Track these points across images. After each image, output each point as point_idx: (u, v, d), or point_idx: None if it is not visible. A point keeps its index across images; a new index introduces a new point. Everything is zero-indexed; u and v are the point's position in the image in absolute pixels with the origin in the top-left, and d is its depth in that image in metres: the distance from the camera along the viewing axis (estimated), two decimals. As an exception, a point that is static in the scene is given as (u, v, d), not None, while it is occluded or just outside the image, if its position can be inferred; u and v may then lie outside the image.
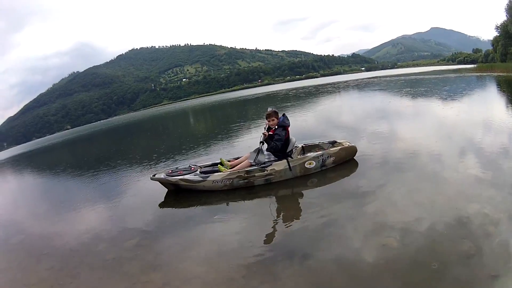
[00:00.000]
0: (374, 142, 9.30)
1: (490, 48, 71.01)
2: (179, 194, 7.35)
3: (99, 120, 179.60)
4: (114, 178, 10.70)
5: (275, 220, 5.52)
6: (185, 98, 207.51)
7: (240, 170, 7.00)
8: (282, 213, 5.86)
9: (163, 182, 7.44)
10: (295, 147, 7.60)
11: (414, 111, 14.66)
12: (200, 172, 7.42)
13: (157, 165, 11.19)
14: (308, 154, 7.35)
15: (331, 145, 8.08)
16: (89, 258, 5.11)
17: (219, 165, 7.41)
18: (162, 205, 7.09)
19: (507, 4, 48.99)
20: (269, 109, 7.31)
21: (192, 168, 7.57)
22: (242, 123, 18.85)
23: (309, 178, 7.10)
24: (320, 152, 7.38)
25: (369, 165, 7.40)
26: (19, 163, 26.88)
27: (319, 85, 59.37)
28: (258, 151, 7.04)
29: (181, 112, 55.18)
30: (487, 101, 15.37)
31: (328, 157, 7.34)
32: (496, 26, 53.95)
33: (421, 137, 9.23)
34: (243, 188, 7.01)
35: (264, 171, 6.97)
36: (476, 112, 12.60)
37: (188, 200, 7.00)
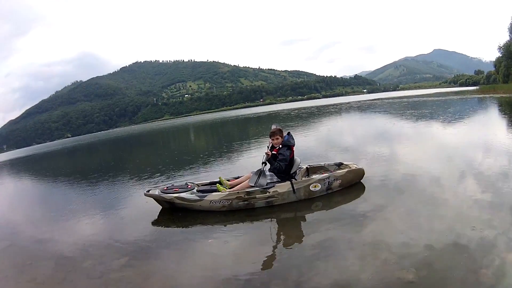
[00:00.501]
0: (380, 165, 8.90)
1: (492, 69, 72.73)
2: (174, 213, 6.89)
3: (100, 131, 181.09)
4: (109, 190, 10.41)
5: (274, 245, 5.09)
6: (187, 114, 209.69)
7: (240, 191, 6.55)
8: (282, 238, 5.44)
9: (157, 199, 7.01)
10: (300, 168, 7.19)
11: (418, 133, 14.47)
12: (197, 190, 7.00)
13: (153, 179, 10.84)
14: (314, 176, 6.91)
15: (337, 167, 7.66)
16: (74, 275, 4.79)
17: (217, 184, 6.97)
18: (155, 223, 6.66)
19: (511, 23, 49.72)
20: (273, 127, 6.94)
21: (189, 186, 7.16)
22: (243, 142, 18.53)
23: (314, 202, 6.65)
24: (326, 174, 6.95)
25: (377, 189, 6.95)
26: (17, 166, 26.80)
27: (321, 106, 59.58)
28: (260, 173, 6.54)
29: (182, 127, 55.02)
30: (488, 123, 15.30)
31: (334, 179, 6.90)
32: (499, 46, 54.99)
33: (427, 160, 8.98)
34: (242, 210, 6.57)
35: (266, 193, 6.52)
36: (477, 134, 12.45)
37: (183, 219, 6.56)
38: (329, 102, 73.52)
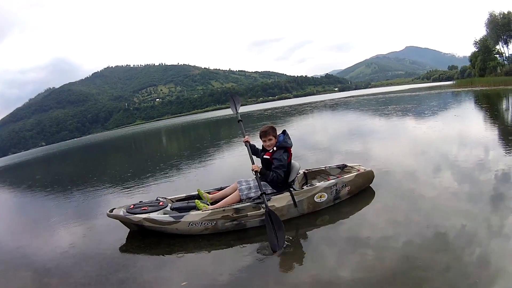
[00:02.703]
0: (384, 166, 7.67)
1: (466, 64, 76.33)
2: (146, 236, 5.42)
3: (73, 138, 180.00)
4: (73, 205, 9.05)
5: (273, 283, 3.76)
6: (158, 118, 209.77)
7: (226, 208, 5.12)
8: (282, 272, 4.03)
9: (122, 220, 5.48)
10: (297, 174, 5.73)
11: (395, 128, 14.31)
12: (171, 209, 5.54)
13: (121, 192, 9.43)
14: (318, 184, 5.51)
15: (340, 170, 6.37)
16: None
17: (196, 200, 5.49)
18: (123, 249, 5.23)
19: (488, 18, 51.10)
20: (265, 126, 5.54)
21: (161, 203, 5.63)
22: (219, 145, 17.28)
23: (319, 216, 5.33)
24: (333, 180, 5.58)
25: (390, 194, 5.89)
26: None
27: (295, 105, 58.61)
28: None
29: (154, 132, 52.80)
30: (470, 116, 15.09)
31: (342, 186, 5.59)
32: (475, 41, 56.29)
33: (417, 156, 8.57)
34: (230, 231, 5.16)
35: (259, 209, 5.11)
36: (459, 127, 12.38)
37: (156, 247, 5.10)
38: (301, 102, 72.70)
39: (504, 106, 18.30)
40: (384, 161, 8.04)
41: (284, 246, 4.40)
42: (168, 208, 5.53)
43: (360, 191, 5.97)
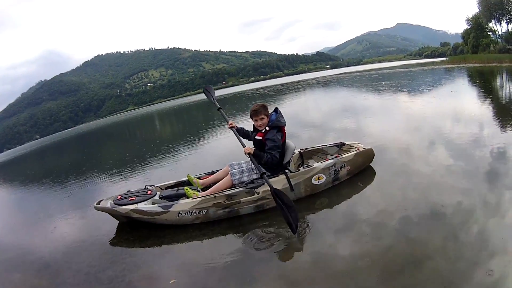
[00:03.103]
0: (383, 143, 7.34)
1: (458, 41, 75.41)
2: (136, 228, 5.06)
3: (67, 129, 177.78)
4: (62, 198, 8.57)
5: (272, 275, 3.47)
6: (151, 103, 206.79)
7: (217, 195, 4.76)
8: (280, 259, 3.74)
9: (110, 213, 5.10)
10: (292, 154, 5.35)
11: (389, 104, 13.90)
12: (160, 197, 5.18)
13: (112, 181, 9.04)
14: (315, 165, 5.13)
15: (338, 148, 6.02)
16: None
17: (185, 187, 5.12)
18: (113, 242, 4.91)
19: None
20: (256, 104, 5.09)
21: (149, 192, 5.26)
22: (211, 126, 16.96)
23: (317, 199, 4.98)
24: (331, 160, 5.20)
25: (391, 174, 5.55)
26: None
27: (287, 83, 57.38)
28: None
29: (146, 117, 51.82)
30: (467, 92, 14.76)
31: (342, 166, 5.24)
32: (467, 18, 55.50)
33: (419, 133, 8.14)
34: (223, 219, 4.81)
35: (253, 194, 4.77)
36: (457, 103, 11.95)
37: (146, 239, 4.76)
38: (293, 80, 71.31)
39: (499, 83, 17.94)
40: (382, 139, 7.65)
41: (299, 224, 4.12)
42: (156, 197, 5.18)
43: (360, 171, 5.63)
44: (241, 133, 5.29)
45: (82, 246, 4.96)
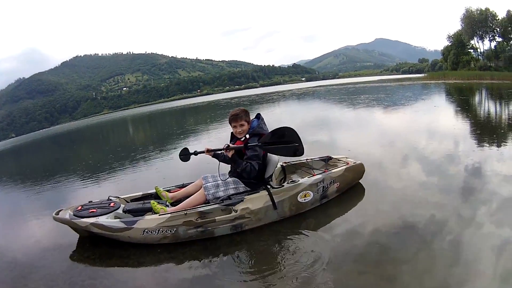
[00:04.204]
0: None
1: (437, 58, 78.22)
2: (98, 244, 4.43)
3: (42, 129, 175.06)
4: (21, 204, 7.98)
5: None
6: (125, 108, 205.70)
7: (188, 211, 4.12)
8: None
9: (70, 225, 4.44)
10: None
11: (362, 118, 13.71)
12: (123, 211, 4.51)
13: (77, 187, 8.45)
14: (302, 181, 4.56)
15: (325, 163, 5.48)
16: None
17: (152, 201, 4.46)
18: (73, 259, 4.28)
19: (463, 13, 52.68)
20: (236, 109, 4.51)
21: (112, 204, 4.59)
22: (184, 134, 16.28)
23: (303, 219, 4.42)
24: (319, 176, 4.66)
25: (381, 191, 5.12)
26: None
27: (262, 94, 57.28)
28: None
29: (120, 121, 50.73)
30: (450, 107, 15.02)
31: (331, 182, 4.70)
32: (448, 35, 56.76)
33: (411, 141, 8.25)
34: (195, 240, 4.19)
35: (230, 212, 4.15)
36: (443, 117, 11.89)
37: (109, 258, 4.16)
38: (269, 91, 70.92)
39: (479, 99, 18.20)
40: (367, 153, 7.13)
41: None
42: (120, 210, 4.51)
43: (349, 188, 5.11)
44: (217, 154, 4.73)
45: (40, 261, 4.34)
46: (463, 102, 16.20)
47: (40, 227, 5.78)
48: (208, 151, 4.58)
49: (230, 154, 4.23)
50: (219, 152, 4.57)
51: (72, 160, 15.26)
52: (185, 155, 5.12)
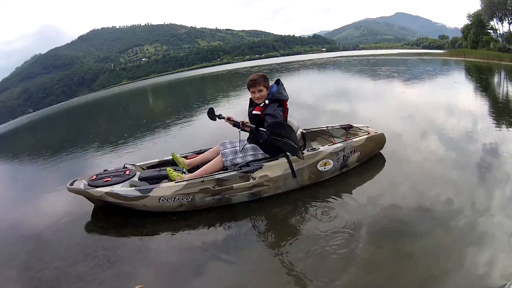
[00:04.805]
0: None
1: (456, 35, 74.75)
2: (112, 213, 4.38)
3: (60, 102, 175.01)
4: (38, 176, 7.88)
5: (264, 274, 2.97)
6: (145, 78, 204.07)
7: (205, 178, 4.04)
8: (276, 261, 3.12)
9: (83, 195, 4.36)
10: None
11: (382, 91, 13.18)
12: (139, 178, 4.43)
13: (94, 157, 8.36)
14: (322, 149, 4.42)
15: (345, 131, 5.33)
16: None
17: (168, 168, 4.37)
18: (87, 229, 4.25)
19: None
20: (254, 74, 4.33)
21: (128, 172, 4.51)
22: (203, 103, 16.18)
23: (322, 188, 4.29)
24: (340, 144, 4.51)
25: (402, 162, 4.96)
26: None
27: (282, 63, 55.96)
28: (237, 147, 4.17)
29: (140, 91, 50.33)
30: (471, 84, 14.53)
31: (351, 152, 4.56)
32: (468, 15, 55.01)
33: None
34: (212, 208, 4.11)
35: (248, 179, 4.05)
36: (464, 93, 11.39)
37: (123, 228, 4.11)
38: (289, 60, 69.31)
39: (499, 79, 17.49)
40: (388, 124, 6.95)
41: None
42: (135, 178, 4.43)
43: (369, 158, 4.97)
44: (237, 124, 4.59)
45: (54, 233, 4.30)
46: (483, 81, 15.61)
47: (55, 199, 5.75)
48: (229, 119, 4.52)
49: (243, 125, 4.15)
50: (239, 122, 4.47)
51: (90, 130, 15.25)
52: (212, 115, 5.13)
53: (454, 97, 10.64)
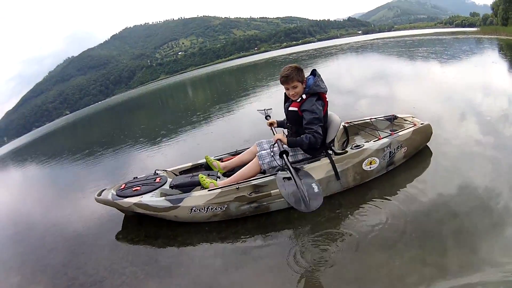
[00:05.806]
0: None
1: (487, 12, 73.77)
2: (144, 223, 4.23)
3: (97, 102, 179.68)
4: (70, 182, 8.00)
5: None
6: (182, 71, 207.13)
7: (240, 185, 3.72)
8: (323, 274, 2.80)
9: (111, 205, 4.24)
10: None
11: (436, 73, 12.08)
12: (170, 186, 4.17)
13: (128, 161, 8.34)
14: (367, 145, 3.99)
15: (389, 122, 4.84)
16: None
17: (200, 174, 4.08)
18: (117, 242, 4.12)
19: None
20: (286, 67, 3.85)
21: (158, 180, 4.28)
22: (244, 95, 15.58)
23: (367, 190, 3.90)
24: (386, 140, 4.06)
25: (450, 157, 4.42)
26: (18, 156, 23.10)
27: (319, 48, 54.92)
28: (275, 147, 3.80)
29: (178, 85, 51.13)
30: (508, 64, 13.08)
31: (398, 147, 4.12)
32: None
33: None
34: (248, 216, 3.82)
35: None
36: (495, 76, 10.34)
37: (154, 240, 3.94)
38: (326, 45, 67.45)
39: None
40: (434, 112, 6.38)
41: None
42: (166, 186, 4.19)
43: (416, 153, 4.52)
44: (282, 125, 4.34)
45: (81, 247, 4.21)
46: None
47: (83, 208, 5.67)
48: (271, 124, 4.26)
49: (281, 138, 3.76)
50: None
51: (128, 130, 15.29)
52: (262, 111, 5.09)
53: (496, 78, 9.89)
